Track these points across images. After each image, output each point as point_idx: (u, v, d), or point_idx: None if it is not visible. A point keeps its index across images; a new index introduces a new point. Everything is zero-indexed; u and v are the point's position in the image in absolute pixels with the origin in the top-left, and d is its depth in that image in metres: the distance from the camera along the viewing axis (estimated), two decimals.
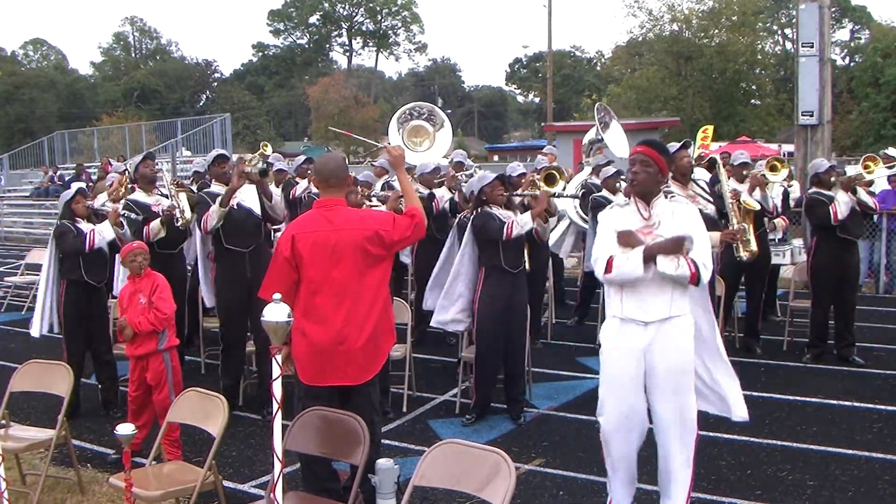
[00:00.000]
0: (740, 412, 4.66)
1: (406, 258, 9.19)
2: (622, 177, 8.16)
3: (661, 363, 4.32)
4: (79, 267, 6.76)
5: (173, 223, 7.30)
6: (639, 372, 4.38)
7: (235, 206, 6.66)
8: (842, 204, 7.72)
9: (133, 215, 7.17)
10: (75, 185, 7.48)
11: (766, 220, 8.35)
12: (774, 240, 9.37)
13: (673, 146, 7.23)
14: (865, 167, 7.82)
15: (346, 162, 5.05)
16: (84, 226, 6.85)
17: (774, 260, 9.40)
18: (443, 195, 8.87)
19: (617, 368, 4.43)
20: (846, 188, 7.72)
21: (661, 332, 4.32)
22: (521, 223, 6.34)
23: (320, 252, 4.55)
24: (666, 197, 4.46)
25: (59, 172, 26.29)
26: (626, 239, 4.33)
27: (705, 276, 4.24)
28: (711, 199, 7.02)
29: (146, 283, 5.70)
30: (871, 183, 8.10)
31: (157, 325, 5.56)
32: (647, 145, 4.46)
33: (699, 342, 4.51)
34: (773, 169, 8.21)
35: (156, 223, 7.31)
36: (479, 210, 6.55)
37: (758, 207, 7.16)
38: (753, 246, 6.99)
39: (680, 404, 4.34)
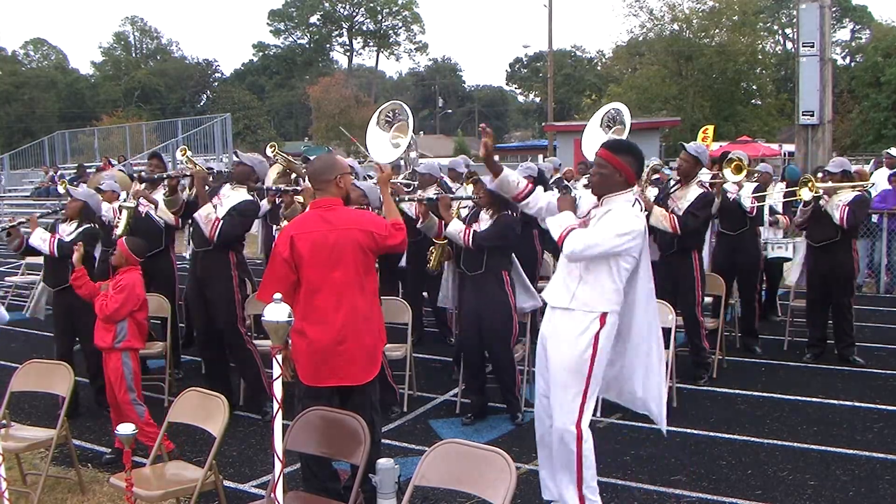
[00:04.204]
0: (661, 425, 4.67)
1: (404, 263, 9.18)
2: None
3: (551, 355, 4.44)
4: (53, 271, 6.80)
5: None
6: (542, 362, 4.57)
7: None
8: (799, 213, 7.99)
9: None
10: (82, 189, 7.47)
11: (748, 219, 8.33)
12: (776, 237, 9.37)
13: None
14: (811, 186, 7.75)
15: (338, 159, 4.99)
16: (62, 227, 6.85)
17: (777, 252, 9.40)
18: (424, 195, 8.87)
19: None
20: (804, 203, 7.87)
21: (560, 322, 4.43)
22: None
23: (320, 252, 4.54)
24: (628, 196, 4.45)
25: (59, 172, 26.29)
26: (563, 202, 4.57)
27: (568, 244, 4.24)
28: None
29: (117, 280, 5.79)
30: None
31: (98, 311, 5.69)
32: (604, 147, 4.54)
33: (623, 343, 4.48)
34: (738, 170, 8.21)
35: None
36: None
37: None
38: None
39: (560, 402, 4.36)
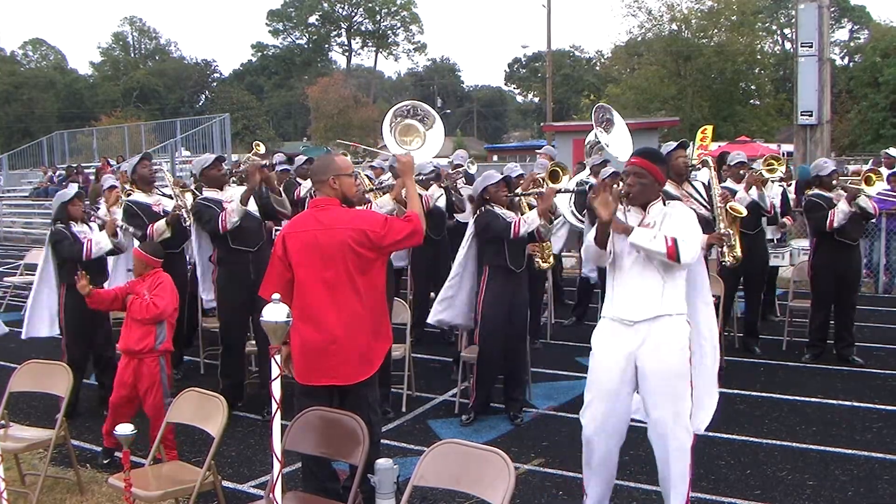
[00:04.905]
0: (700, 424, 4.57)
1: (400, 262, 9.16)
2: (619, 178, 8.11)
3: (653, 368, 4.25)
4: (77, 272, 6.70)
5: (180, 223, 7.29)
6: (626, 376, 4.32)
7: None
8: (840, 213, 7.70)
9: (132, 229, 7.10)
10: (72, 187, 7.43)
11: (764, 219, 8.33)
12: (773, 241, 9.34)
13: (669, 145, 7.21)
14: (867, 180, 7.76)
15: (336, 160, 4.93)
16: (79, 229, 6.83)
17: (773, 262, 9.38)
18: (432, 193, 8.80)
19: (603, 371, 4.38)
20: (849, 200, 7.70)
21: (651, 333, 4.26)
22: (527, 221, 6.32)
23: (310, 252, 4.55)
24: (664, 203, 4.45)
25: (58, 172, 26.31)
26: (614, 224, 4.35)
27: (685, 253, 4.16)
28: (705, 201, 6.99)
29: (151, 281, 5.71)
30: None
31: (145, 313, 5.53)
32: (640, 156, 4.45)
33: (696, 344, 4.44)
34: (770, 167, 8.23)
35: (161, 224, 7.27)
36: (482, 209, 6.55)
37: (744, 213, 7.06)
38: (738, 251, 6.90)
39: (675, 410, 4.25)
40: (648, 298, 4.28)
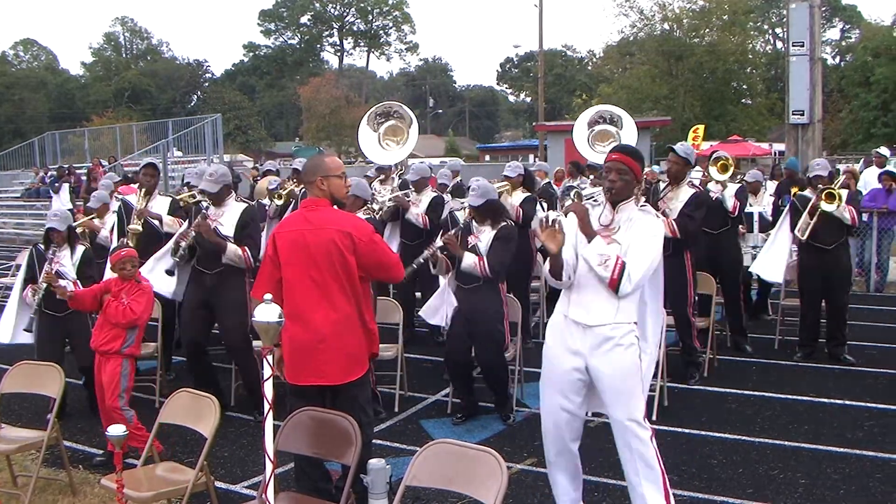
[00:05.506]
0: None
1: None
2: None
3: (605, 368, 4.24)
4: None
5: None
6: (576, 374, 4.32)
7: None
8: (802, 222, 7.79)
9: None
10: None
11: (730, 219, 8.32)
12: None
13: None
14: (828, 196, 7.71)
15: (325, 161, 4.90)
16: (58, 251, 6.65)
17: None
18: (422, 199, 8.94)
19: (556, 367, 4.39)
20: (810, 212, 7.74)
21: (602, 336, 4.25)
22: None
23: (297, 251, 4.55)
24: (637, 204, 4.39)
25: (49, 173, 26.24)
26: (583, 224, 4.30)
27: (625, 286, 4.14)
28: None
29: (131, 285, 5.71)
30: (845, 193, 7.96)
31: (121, 318, 5.54)
32: (621, 152, 4.42)
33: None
34: (723, 168, 8.23)
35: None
36: (458, 229, 6.59)
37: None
38: None
39: (629, 409, 4.25)
40: (603, 307, 4.26)
